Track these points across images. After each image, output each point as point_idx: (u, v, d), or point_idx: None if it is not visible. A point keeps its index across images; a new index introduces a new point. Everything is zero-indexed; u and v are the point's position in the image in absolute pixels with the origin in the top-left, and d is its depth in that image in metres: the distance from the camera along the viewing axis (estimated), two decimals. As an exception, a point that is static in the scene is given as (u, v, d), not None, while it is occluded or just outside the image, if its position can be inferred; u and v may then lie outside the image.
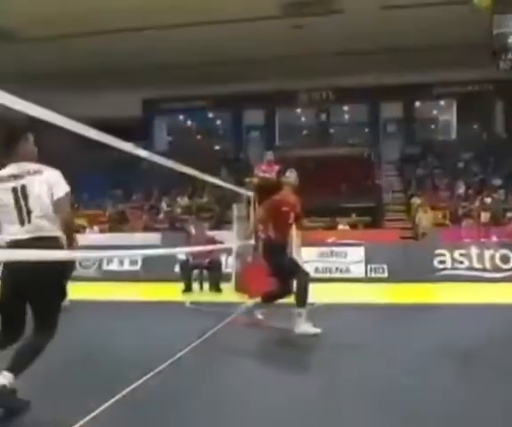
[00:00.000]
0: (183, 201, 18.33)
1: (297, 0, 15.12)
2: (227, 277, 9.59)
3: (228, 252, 10.49)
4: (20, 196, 3.13)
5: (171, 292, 9.93)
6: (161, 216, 17.45)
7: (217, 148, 23.83)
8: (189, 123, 24.96)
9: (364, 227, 15.64)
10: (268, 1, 14.92)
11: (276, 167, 9.38)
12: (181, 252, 9.29)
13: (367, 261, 11.54)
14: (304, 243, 10.87)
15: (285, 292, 5.59)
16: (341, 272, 11.63)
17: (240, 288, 9.06)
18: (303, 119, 23.83)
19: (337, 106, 22.26)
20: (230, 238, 9.58)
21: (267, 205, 5.82)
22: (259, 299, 5.88)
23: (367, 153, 20.78)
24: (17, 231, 3.15)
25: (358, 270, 11.54)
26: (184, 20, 15.54)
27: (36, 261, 2.97)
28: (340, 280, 11.37)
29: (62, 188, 3.22)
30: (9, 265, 3.11)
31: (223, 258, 10.90)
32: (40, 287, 3.14)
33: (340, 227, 15.18)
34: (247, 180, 10.38)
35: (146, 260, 11.85)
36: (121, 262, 12.26)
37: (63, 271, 3.33)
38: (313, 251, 11.48)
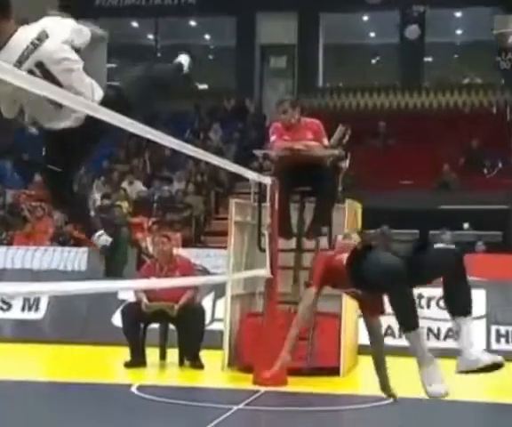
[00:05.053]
0: (134, 188, 18.58)
1: None
2: (213, 340, 9.71)
3: (218, 290, 10.52)
4: None
5: (104, 364, 10.06)
6: (90, 215, 17.54)
7: (203, 87, 23.97)
8: (150, 36, 25.28)
9: (487, 250, 15.78)
10: None
11: (317, 127, 9.44)
12: (127, 287, 9.20)
13: (492, 318, 11.56)
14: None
15: None
16: (439, 339, 11.57)
17: (238, 362, 9.14)
18: (372, 35, 24.07)
19: (440, 10, 22.33)
20: (222, 264, 9.78)
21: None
22: None
23: (498, 105, 21.01)
24: None
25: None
26: None
27: None
28: (441, 355, 11.36)
29: None
30: None
31: (207, 302, 10.95)
32: None
33: (440, 248, 15.31)
34: (258, 153, 10.35)
35: (57, 301, 11.90)
36: (6, 304, 12.35)
37: None
38: (386, 294, 11.55)
